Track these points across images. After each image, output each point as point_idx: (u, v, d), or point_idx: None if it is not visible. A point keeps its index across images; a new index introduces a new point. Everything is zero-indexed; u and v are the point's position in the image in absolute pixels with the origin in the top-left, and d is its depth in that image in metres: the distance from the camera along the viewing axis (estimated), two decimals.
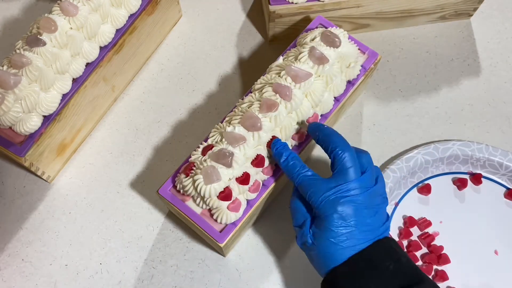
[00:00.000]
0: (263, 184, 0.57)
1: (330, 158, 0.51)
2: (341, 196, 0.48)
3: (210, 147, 0.55)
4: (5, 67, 0.57)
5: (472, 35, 0.77)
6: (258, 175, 0.56)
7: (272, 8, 0.67)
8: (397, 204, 0.65)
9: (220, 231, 0.55)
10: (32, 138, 0.59)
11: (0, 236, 0.64)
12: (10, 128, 0.59)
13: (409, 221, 0.63)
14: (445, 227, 0.64)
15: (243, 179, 0.54)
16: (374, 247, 0.48)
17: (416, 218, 0.64)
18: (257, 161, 0.55)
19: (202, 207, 0.55)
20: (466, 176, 0.66)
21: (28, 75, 0.57)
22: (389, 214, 0.64)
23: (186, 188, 0.54)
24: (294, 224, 0.52)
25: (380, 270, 0.47)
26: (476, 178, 0.66)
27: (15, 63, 0.56)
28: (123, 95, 0.73)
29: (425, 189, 0.65)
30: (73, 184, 0.67)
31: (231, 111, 0.58)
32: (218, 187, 0.52)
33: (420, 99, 0.72)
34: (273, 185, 0.57)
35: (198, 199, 0.54)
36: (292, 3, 0.67)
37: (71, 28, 0.60)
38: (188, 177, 0.54)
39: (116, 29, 0.65)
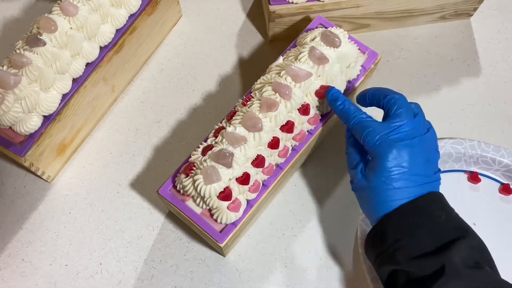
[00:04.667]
0: (263, 184, 0.57)
1: (382, 106, 0.52)
2: (397, 137, 0.49)
3: (210, 147, 0.55)
4: (5, 67, 0.57)
5: (472, 35, 0.77)
6: (258, 175, 0.56)
7: (272, 8, 0.67)
8: None
9: (220, 231, 0.55)
10: (32, 138, 0.59)
11: (0, 236, 0.64)
12: (10, 128, 0.59)
13: None
14: None
15: (243, 179, 0.54)
16: (427, 198, 0.49)
17: None
18: (258, 162, 0.55)
19: (202, 207, 0.55)
20: (462, 174, 0.67)
21: (28, 75, 0.57)
22: None
23: (186, 188, 0.54)
24: (349, 166, 0.54)
25: (432, 219, 0.47)
26: (474, 177, 0.66)
27: (15, 63, 0.56)
28: (123, 95, 0.73)
29: None
30: (73, 184, 0.67)
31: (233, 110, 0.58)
32: (218, 187, 0.52)
33: (420, 99, 0.72)
34: (273, 184, 0.57)
35: (198, 199, 0.54)
36: (292, 3, 0.67)
37: (71, 28, 0.60)
38: (188, 177, 0.54)
39: (116, 29, 0.65)
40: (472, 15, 0.78)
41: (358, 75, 0.62)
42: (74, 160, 0.69)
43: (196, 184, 0.52)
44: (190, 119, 0.71)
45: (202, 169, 0.52)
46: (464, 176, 0.67)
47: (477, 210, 0.65)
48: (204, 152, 0.54)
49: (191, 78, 0.74)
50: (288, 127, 0.56)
